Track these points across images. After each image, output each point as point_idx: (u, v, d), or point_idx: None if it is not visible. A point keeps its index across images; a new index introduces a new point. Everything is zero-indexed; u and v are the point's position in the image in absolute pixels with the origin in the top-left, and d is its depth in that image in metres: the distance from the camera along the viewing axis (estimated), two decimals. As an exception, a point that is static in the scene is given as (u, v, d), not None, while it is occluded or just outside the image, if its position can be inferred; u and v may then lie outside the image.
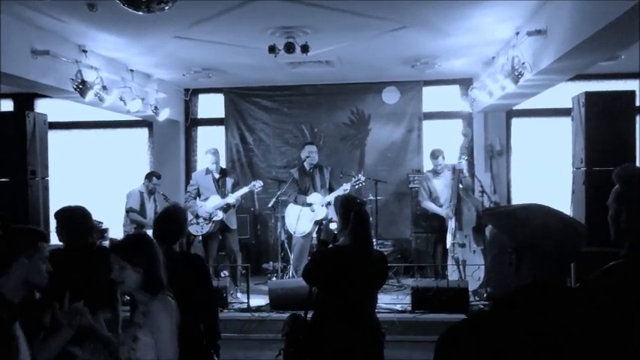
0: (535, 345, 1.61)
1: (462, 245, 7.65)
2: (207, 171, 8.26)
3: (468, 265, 7.58)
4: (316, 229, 8.20)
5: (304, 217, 8.03)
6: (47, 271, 2.90)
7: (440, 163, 8.03)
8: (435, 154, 8.09)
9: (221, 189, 8.18)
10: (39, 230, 3.04)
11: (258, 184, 8.23)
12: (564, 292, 1.75)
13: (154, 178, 8.62)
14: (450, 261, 7.83)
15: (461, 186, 7.78)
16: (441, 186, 8.02)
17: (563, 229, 1.72)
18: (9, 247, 2.81)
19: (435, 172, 8.11)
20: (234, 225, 8.30)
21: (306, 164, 8.22)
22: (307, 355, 4.09)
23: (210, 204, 8.04)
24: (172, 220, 4.14)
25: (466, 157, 7.93)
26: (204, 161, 8.63)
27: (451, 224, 7.71)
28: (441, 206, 7.94)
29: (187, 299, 3.95)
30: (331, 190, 8.15)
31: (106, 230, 9.23)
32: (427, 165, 9.96)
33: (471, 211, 7.67)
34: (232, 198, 8.07)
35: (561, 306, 1.69)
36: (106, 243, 9.07)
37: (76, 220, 4.38)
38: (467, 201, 7.67)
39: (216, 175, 8.23)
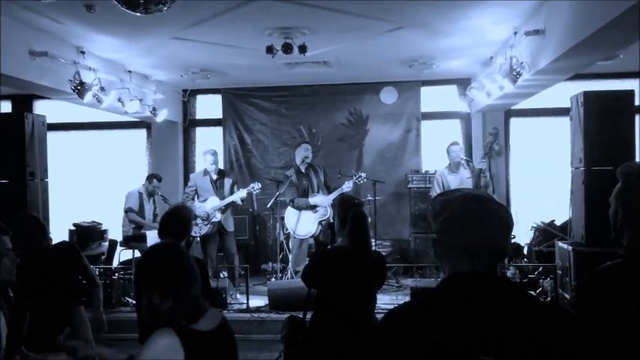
0: (455, 337, 1.60)
1: None
2: (205, 172, 8.26)
3: None
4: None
5: (306, 218, 8.00)
6: (13, 263, 2.73)
7: (459, 152, 7.93)
8: (455, 142, 8.03)
9: (219, 190, 8.17)
10: None
11: (256, 187, 8.21)
12: (484, 286, 1.69)
13: (155, 180, 8.63)
14: None
15: (483, 188, 7.64)
16: (456, 183, 7.85)
17: (475, 219, 1.68)
18: None
19: (451, 169, 7.99)
20: (231, 228, 8.29)
21: (302, 165, 8.14)
22: (307, 357, 4.09)
23: (209, 205, 8.03)
24: (177, 219, 4.16)
25: (482, 158, 7.81)
26: (202, 162, 8.62)
27: None
28: None
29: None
30: (328, 189, 8.12)
31: (105, 231, 9.23)
32: (426, 165, 10.00)
33: None
34: (237, 196, 8.06)
35: (480, 299, 1.65)
36: (106, 244, 9.12)
37: (30, 227, 4.37)
38: None
39: (214, 177, 8.22)
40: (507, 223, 1.72)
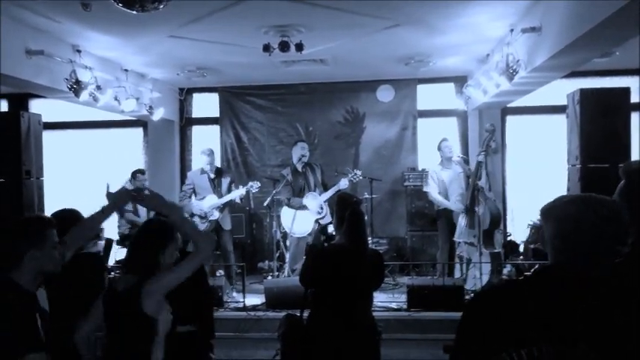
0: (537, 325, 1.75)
1: (471, 244, 7.52)
2: (203, 171, 8.25)
3: (471, 265, 7.49)
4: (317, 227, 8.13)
5: (302, 217, 7.97)
6: (60, 256, 2.87)
7: (450, 148, 7.95)
8: (445, 139, 8.04)
9: (217, 188, 8.15)
10: (45, 218, 2.99)
11: (255, 186, 8.20)
12: (574, 280, 1.83)
13: (139, 175, 8.59)
14: (456, 259, 7.80)
15: (480, 183, 7.54)
16: (449, 178, 7.86)
17: (578, 219, 1.84)
18: (19, 242, 2.76)
19: (443, 165, 7.97)
20: (228, 226, 8.27)
21: (299, 163, 8.11)
22: (304, 355, 4.09)
23: (207, 203, 8.02)
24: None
25: (480, 153, 7.73)
26: (199, 161, 8.61)
27: (461, 222, 7.60)
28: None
29: (182, 298, 3.96)
30: (325, 187, 8.10)
31: (101, 230, 9.19)
32: (422, 163, 10.01)
33: (484, 213, 7.39)
34: (236, 194, 8.05)
35: (566, 293, 1.80)
36: (102, 243, 9.08)
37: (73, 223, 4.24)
38: (482, 201, 7.43)
39: (212, 175, 8.21)
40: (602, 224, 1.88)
